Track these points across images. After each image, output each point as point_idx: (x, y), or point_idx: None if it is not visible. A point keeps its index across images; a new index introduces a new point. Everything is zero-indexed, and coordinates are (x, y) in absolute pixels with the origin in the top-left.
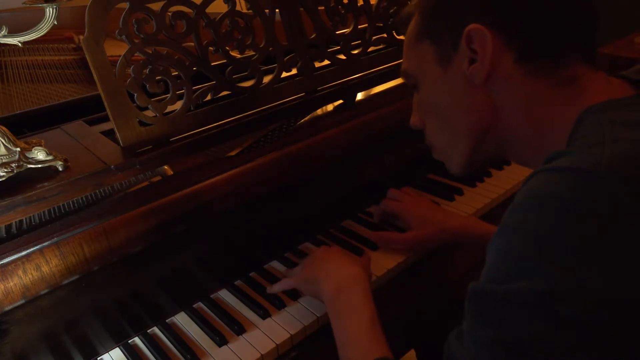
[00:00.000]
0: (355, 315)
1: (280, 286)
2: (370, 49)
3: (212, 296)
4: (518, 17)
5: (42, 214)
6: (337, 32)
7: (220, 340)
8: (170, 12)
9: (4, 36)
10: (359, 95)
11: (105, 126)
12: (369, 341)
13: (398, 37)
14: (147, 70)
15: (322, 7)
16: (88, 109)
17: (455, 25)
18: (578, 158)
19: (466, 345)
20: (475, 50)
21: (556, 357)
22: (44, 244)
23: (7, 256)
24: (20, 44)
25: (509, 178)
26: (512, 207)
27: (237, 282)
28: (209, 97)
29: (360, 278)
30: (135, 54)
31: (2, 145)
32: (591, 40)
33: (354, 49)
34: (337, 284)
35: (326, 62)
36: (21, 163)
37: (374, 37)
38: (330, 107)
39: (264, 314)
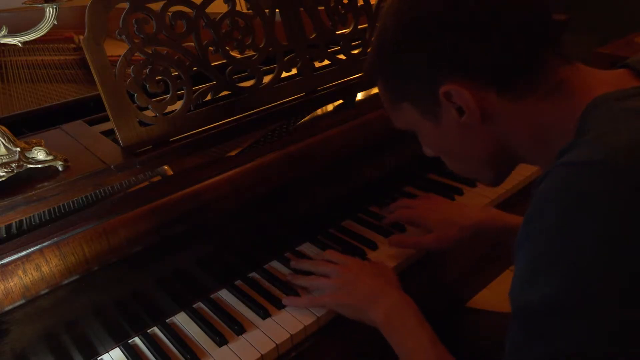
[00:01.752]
0: (415, 339)
1: (304, 303)
2: (370, 49)
3: (212, 296)
4: (482, 61)
5: (42, 214)
6: (337, 32)
7: (220, 340)
8: (170, 12)
9: (4, 36)
10: (359, 95)
11: (105, 126)
12: (434, 358)
13: None
14: (147, 70)
15: (322, 7)
16: (88, 109)
17: (428, 87)
18: (595, 149)
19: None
20: (458, 105)
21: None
22: (44, 244)
23: (7, 256)
24: (20, 44)
25: (509, 178)
26: (534, 206)
27: (237, 282)
28: (209, 97)
29: (406, 301)
30: (135, 54)
31: (2, 145)
32: (552, 37)
33: (354, 49)
34: (388, 312)
35: (326, 62)
36: (21, 163)
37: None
38: (330, 107)
39: (264, 314)
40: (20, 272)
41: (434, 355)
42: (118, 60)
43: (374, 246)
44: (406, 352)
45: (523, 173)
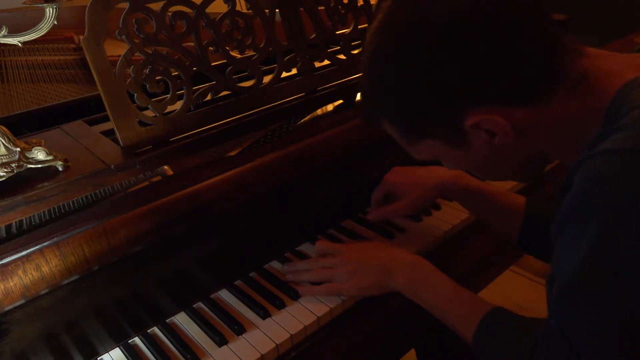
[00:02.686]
0: (441, 293)
1: (322, 291)
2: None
3: (212, 296)
4: (504, 82)
5: (42, 214)
6: (337, 32)
7: (220, 340)
8: (170, 12)
9: (4, 36)
10: (359, 95)
11: (105, 126)
12: (464, 307)
13: None
14: (147, 70)
15: (322, 7)
16: (88, 109)
17: (450, 123)
18: (623, 138)
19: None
20: (488, 129)
21: None
22: (44, 244)
23: (7, 256)
24: (20, 44)
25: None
26: (577, 196)
27: (237, 282)
28: (209, 97)
29: (420, 260)
30: (135, 54)
31: (2, 145)
32: (556, 32)
33: (354, 49)
34: (408, 278)
35: (326, 62)
36: (21, 163)
37: None
38: (330, 107)
39: (264, 314)
40: (20, 272)
41: (469, 305)
42: (118, 60)
43: None
44: (441, 309)
45: None
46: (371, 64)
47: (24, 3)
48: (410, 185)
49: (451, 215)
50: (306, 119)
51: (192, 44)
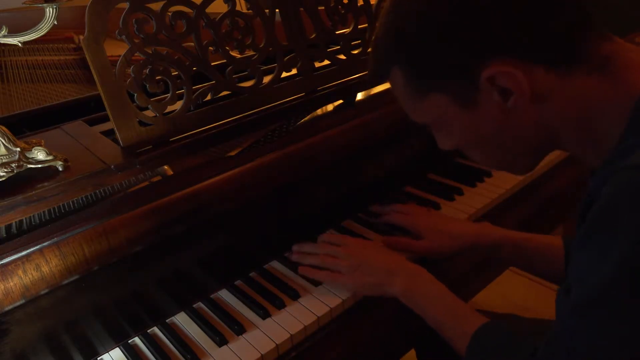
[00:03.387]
0: (438, 304)
1: (321, 277)
2: (370, 49)
3: (212, 296)
4: (529, 36)
5: (42, 214)
6: (337, 32)
7: (220, 340)
8: (170, 12)
9: (4, 36)
10: (359, 95)
11: (105, 126)
12: (462, 317)
13: None
14: (147, 70)
15: (322, 7)
16: (88, 109)
17: (466, 73)
18: None
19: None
20: (503, 87)
21: None
22: (44, 244)
23: (7, 256)
24: (20, 44)
25: (509, 178)
26: (603, 212)
27: (237, 282)
28: (209, 97)
29: (421, 270)
30: (135, 54)
31: (2, 145)
32: (589, 13)
33: (354, 49)
34: (406, 286)
35: (326, 62)
36: (21, 163)
37: None
38: (330, 107)
39: (264, 314)
40: (20, 272)
41: (464, 317)
42: (118, 60)
43: None
44: (438, 319)
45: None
46: (392, 6)
47: (24, 3)
48: (431, 231)
49: (452, 216)
50: (306, 119)
51: (192, 44)
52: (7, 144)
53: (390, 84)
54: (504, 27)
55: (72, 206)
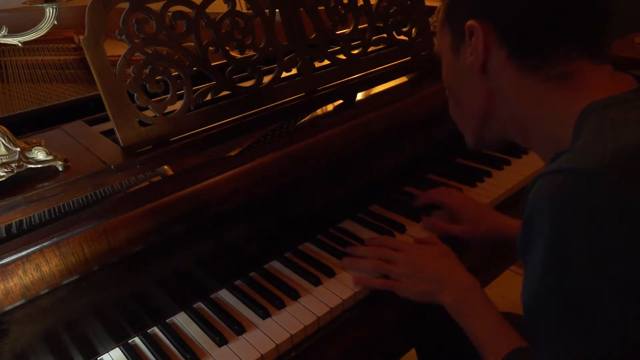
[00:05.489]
0: (483, 321)
1: (373, 284)
2: (370, 49)
3: (212, 296)
4: (512, 16)
5: (42, 214)
6: (337, 32)
7: (220, 340)
8: (170, 12)
9: (4, 36)
10: (359, 95)
11: (105, 126)
12: (501, 339)
13: (398, 37)
14: (147, 70)
15: (322, 7)
16: (88, 109)
17: (464, 19)
18: (581, 158)
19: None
20: (473, 46)
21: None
22: (44, 244)
23: (7, 256)
24: (20, 44)
25: (509, 178)
26: (528, 213)
27: (237, 282)
28: (209, 97)
29: (475, 284)
30: (135, 54)
31: (2, 145)
32: (595, 36)
33: (354, 49)
34: (457, 297)
35: (326, 62)
36: (21, 163)
37: (374, 37)
38: (330, 107)
39: (264, 314)
40: (20, 272)
41: (503, 339)
42: (118, 60)
43: None
44: (477, 336)
45: (524, 174)
46: None
47: (24, 3)
48: (473, 218)
49: None
50: (306, 119)
51: (192, 44)
52: (7, 144)
53: None
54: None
55: (72, 206)
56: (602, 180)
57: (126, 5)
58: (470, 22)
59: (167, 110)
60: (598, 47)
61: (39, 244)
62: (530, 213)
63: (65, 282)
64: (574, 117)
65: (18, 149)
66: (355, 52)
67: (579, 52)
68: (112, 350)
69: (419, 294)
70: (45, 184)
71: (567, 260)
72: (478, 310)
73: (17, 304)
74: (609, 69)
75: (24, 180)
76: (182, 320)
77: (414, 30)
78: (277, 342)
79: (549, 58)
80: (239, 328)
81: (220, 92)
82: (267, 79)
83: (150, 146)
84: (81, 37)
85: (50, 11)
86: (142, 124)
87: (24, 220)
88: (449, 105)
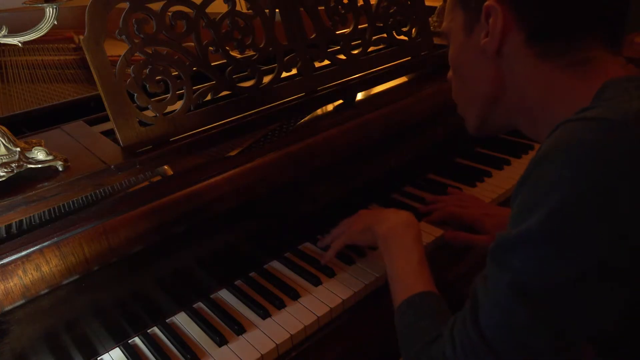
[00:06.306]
0: (405, 255)
1: (334, 251)
2: (370, 49)
3: (212, 296)
4: (534, 3)
5: (42, 214)
6: (337, 32)
7: (220, 340)
8: (170, 12)
9: (4, 36)
10: (359, 95)
11: (105, 126)
12: (416, 278)
13: (398, 37)
14: (147, 70)
15: (322, 7)
16: (88, 109)
17: (480, 2)
18: (605, 110)
19: (489, 289)
20: (489, 28)
21: (564, 293)
22: (44, 244)
23: (7, 256)
24: (20, 44)
25: (509, 178)
26: (537, 158)
27: (237, 282)
28: (209, 97)
29: (412, 223)
30: (135, 54)
31: (2, 145)
32: (614, 26)
33: (354, 49)
34: (391, 227)
35: (326, 62)
36: (21, 163)
37: (374, 37)
38: (330, 107)
39: (264, 314)
40: (20, 272)
41: (418, 279)
42: (118, 60)
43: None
44: (396, 273)
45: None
46: None
47: (24, 3)
48: (494, 226)
49: None
50: (306, 119)
51: (192, 44)
52: (7, 144)
53: None
54: None
55: (72, 206)
56: (624, 131)
57: (126, 5)
58: (489, 2)
59: (167, 110)
60: (617, 36)
61: (39, 244)
62: (540, 157)
63: (65, 282)
64: (588, 101)
65: (18, 149)
66: (355, 52)
67: (600, 40)
68: (112, 350)
69: (360, 233)
70: (45, 184)
71: (576, 205)
72: (405, 246)
73: (17, 304)
74: (622, 61)
75: (24, 180)
76: (182, 320)
77: (414, 30)
78: (277, 342)
79: (570, 44)
80: (239, 328)
81: (220, 92)
82: (267, 79)
83: (150, 146)
84: (81, 37)
85: (50, 11)
86: (142, 124)
87: (24, 220)
88: (453, 88)
